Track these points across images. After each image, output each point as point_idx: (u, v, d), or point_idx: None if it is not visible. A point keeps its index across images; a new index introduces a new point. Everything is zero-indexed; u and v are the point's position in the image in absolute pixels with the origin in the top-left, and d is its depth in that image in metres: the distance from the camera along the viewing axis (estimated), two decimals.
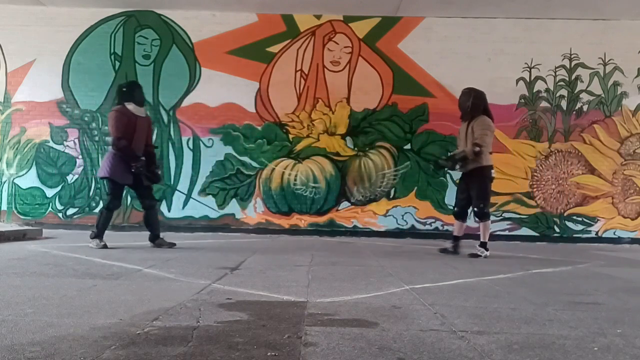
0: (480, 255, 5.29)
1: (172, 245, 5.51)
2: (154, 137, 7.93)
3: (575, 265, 4.98)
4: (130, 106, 5.34)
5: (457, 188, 5.79)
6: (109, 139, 5.27)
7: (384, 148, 8.00)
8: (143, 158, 5.35)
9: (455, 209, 5.66)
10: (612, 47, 7.99)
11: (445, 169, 5.86)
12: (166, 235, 7.06)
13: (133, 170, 5.25)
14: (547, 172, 7.99)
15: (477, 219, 5.47)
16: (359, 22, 8.05)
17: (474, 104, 5.34)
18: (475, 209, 5.35)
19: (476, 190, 5.33)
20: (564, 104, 8.02)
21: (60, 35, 8.02)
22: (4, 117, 8.07)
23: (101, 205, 7.91)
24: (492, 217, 7.83)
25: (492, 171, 5.46)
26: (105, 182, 5.82)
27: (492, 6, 7.61)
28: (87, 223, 7.91)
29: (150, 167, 5.47)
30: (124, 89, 5.46)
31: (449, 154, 5.93)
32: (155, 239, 5.54)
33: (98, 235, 5.32)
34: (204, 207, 7.96)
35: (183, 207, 7.95)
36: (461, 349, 1.96)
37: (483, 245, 5.36)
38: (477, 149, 5.19)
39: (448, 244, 5.68)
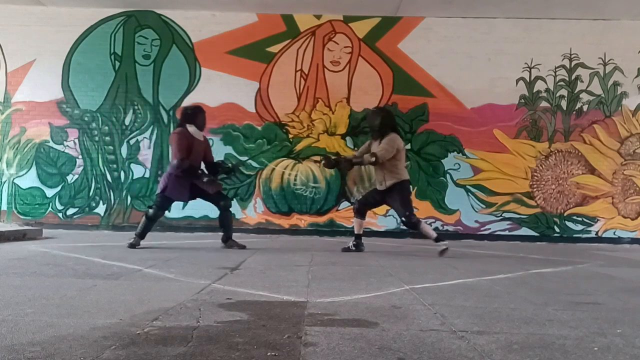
0: (439, 249, 5.33)
1: (242, 247, 5.59)
2: (154, 137, 7.98)
3: (575, 265, 4.98)
4: (192, 129, 5.54)
5: (368, 193, 5.92)
6: (175, 161, 5.44)
7: None
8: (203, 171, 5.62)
9: (357, 205, 5.83)
10: (612, 47, 7.99)
11: (333, 168, 6.12)
12: (166, 235, 7.09)
13: (203, 183, 5.47)
14: (547, 172, 7.99)
15: (408, 229, 5.69)
16: (359, 22, 8.05)
17: (382, 123, 5.53)
18: (403, 218, 5.46)
19: (398, 202, 5.45)
20: (564, 104, 8.02)
21: (60, 35, 8.02)
22: (4, 117, 8.07)
23: (101, 204, 7.96)
24: (492, 217, 7.94)
25: (410, 186, 5.68)
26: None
27: (492, 6, 7.61)
28: (87, 223, 7.92)
29: (222, 165, 5.87)
30: (189, 112, 5.67)
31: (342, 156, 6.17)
32: (227, 240, 5.67)
33: (138, 234, 5.47)
34: (204, 207, 7.92)
35: (183, 207, 7.94)
36: (461, 349, 1.96)
37: (438, 240, 5.40)
38: (373, 159, 5.35)
39: (350, 243, 5.70)
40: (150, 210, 5.49)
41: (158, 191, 5.62)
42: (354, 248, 5.62)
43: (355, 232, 5.71)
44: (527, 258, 5.40)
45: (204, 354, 1.79)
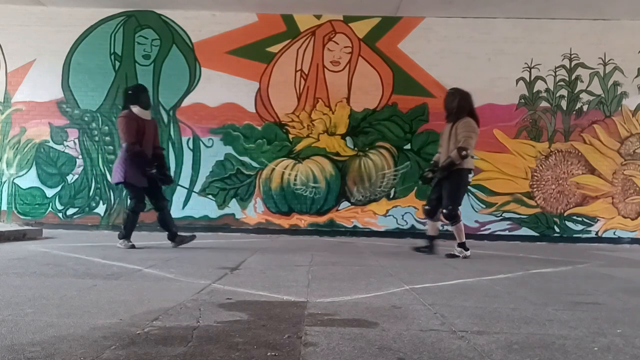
0: (459, 256, 5.20)
1: (192, 237, 5.53)
2: None
3: (575, 265, 4.98)
4: (136, 109, 5.36)
5: (432, 187, 5.54)
6: (124, 145, 5.29)
7: (384, 148, 8.00)
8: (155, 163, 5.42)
9: (426, 207, 5.53)
10: (612, 47, 7.99)
11: (434, 179, 5.47)
12: (166, 235, 7.07)
13: (148, 174, 5.30)
14: (547, 172, 7.99)
15: (445, 221, 5.33)
16: (359, 22, 8.05)
17: (459, 105, 5.20)
18: (445, 210, 5.21)
19: (448, 190, 5.19)
20: (564, 104, 8.02)
21: (60, 35, 8.03)
22: (4, 117, 8.07)
23: (101, 204, 7.96)
24: (492, 217, 7.94)
25: (470, 175, 5.30)
26: (122, 187, 5.88)
27: (492, 6, 7.61)
28: (87, 223, 7.92)
29: (162, 170, 5.54)
30: (130, 92, 5.48)
31: (431, 162, 5.68)
32: (174, 237, 5.53)
33: (126, 235, 5.38)
34: (204, 207, 7.96)
35: (183, 207, 7.95)
36: (461, 349, 1.95)
37: (462, 245, 5.26)
38: (464, 152, 5.04)
39: (422, 243, 5.57)
40: (134, 206, 5.35)
41: (115, 181, 5.40)
42: (425, 249, 5.42)
43: (429, 234, 5.50)
44: (527, 258, 5.40)
45: (204, 354, 1.79)
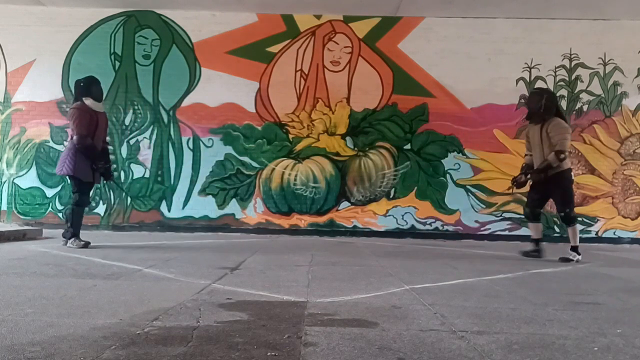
0: (573, 260, 5.11)
1: (87, 244, 5.23)
2: (154, 137, 7.97)
3: (575, 265, 4.98)
4: (88, 101, 5.30)
5: (530, 189, 5.48)
6: (75, 137, 5.17)
7: (384, 148, 8.00)
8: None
9: (527, 209, 5.47)
10: (612, 47, 7.99)
11: (525, 184, 5.41)
12: (166, 236, 7.09)
13: (96, 169, 5.23)
14: None
15: (565, 224, 5.32)
16: (359, 22, 8.05)
17: (546, 106, 5.12)
18: (562, 214, 5.17)
19: (560, 195, 5.16)
20: (564, 104, 8.01)
21: (60, 35, 8.02)
22: (4, 117, 8.07)
23: (101, 205, 7.96)
24: (492, 217, 7.94)
25: (572, 173, 5.28)
26: (67, 179, 5.73)
27: (492, 6, 7.61)
28: (86, 223, 7.90)
29: (107, 165, 5.45)
30: (82, 84, 5.38)
31: (522, 166, 5.56)
32: (71, 236, 5.26)
33: (75, 234, 5.23)
34: (204, 207, 7.96)
35: (183, 207, 7.95)
36: (461, 349, 1.95)
37: (574, 249, 5.19)
38: (563, 156, 4.99)
39: (529, 247, 5.46)
40: (78, 200, 5.22)
41: (61, 173, 5.28)
42: (535, 253, 5.34)
43: (533, 237, 5.42)
44: (527, 258, 5.39)
45: (204, 354, 1.79)
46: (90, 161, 5.25)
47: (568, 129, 5.14)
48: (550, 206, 7.94)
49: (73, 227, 5.26)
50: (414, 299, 2.95)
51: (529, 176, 5.34)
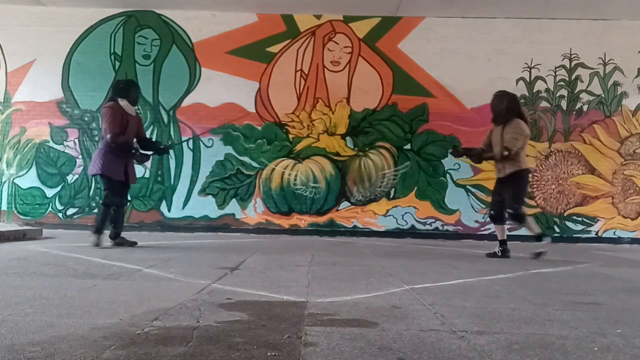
0: (544, 250, 5.22)
1: (133, 244, 5.44)
2: (154, 137, 7.96)
3: (575, 265, 4.98)
4: (123, 103, 5.36)
5: (492, 190, 5.66)
6: (108, 136, 5.24)
7: (384, 148, 8.00)
8: (137, 151, 5.46)
9: (491, 212, 5.58)
10: (612, 47, 7.99)
11: (461, 157, 5.87)
12: (166, 236, 7.09)
13: (138, 161, 5.41)
14: (547, 172, 7.99)
15: (515, 222, 5.45)
16: (359, 22, 8.05)
17: (508, 107, 5.29)
18: (510, 210, 5.29)
19: (511, 191, 5.27)
20: (564, 104, 8.02)
21: (60, 35, 8.03)
22: (4, 117, 8.07)
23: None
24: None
25: (529, 175, 5.42)
26: (98, 178, 5.83)
27: (492, 6, 7.61)
28: (87, 223, 7.90)
29: (157, 145, 5.76)
30: (121, 85, 5.49)
31: (472, 147, 5.85)
32: (116, 237, 5.44)
33: (97, 230, 5.32)
34: (204, 207, 7.96)
35: (183, 207, 7.95)
36: (461, 349, 1.95)
37: (538, 238, 5.32)
38: (505, 152, 5.16)
39: (496, 249, 5.49)
40: (106, 198, 5.32)
41: (91, 173, 5.41)
42: (499, 254, 5.37)
43: (500, 238, 5.47)
44: (527, 258, 5.39)
45: (204, 354, 1.79)
46: (124, 159, 5.32)
47: (523, 131, 5.25)
48: (550, 206, 7.98)
49: (96, 222, 5.36)
50: (414, 299, 2.95)
51: (471, 153, 5.61)
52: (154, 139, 6.06)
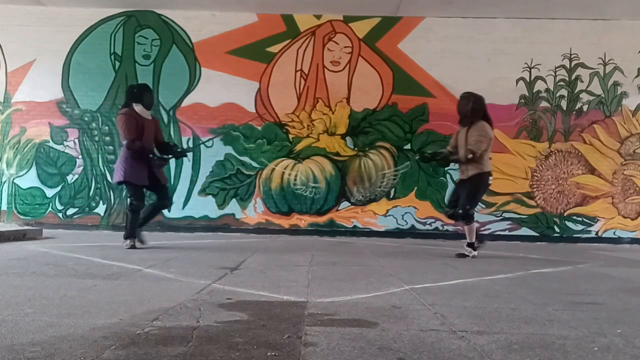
0: (469, 255, 5.23)
1: (133, 246, 5.38)
2: None
3: (575, 265, 4.98)
4: (138, 107, 5.39)
5: (452, 191, 5.71)
6: (125, 142, 5.29)
7: (384, 148, 8.00)
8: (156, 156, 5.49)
9: (448, 210, 5.59)
10: (612, 47, 7.99)
11: (428, 162, 5.84)
12: (166, 236, 7.10)
13: (156, 166, 5.37)
14: (547, 172, 7.99)
15: (462, 221, 5.42)
16: (359, 22, 8.05)
17: (473, 109, 5.27)
18: (460, 210, 5.25)
19: (467, 191, 5.27)
20: (564, 104, 8.02)
21: (60, 35, 8.03)
22: (4, 117, 8.07)
23: (101, 205, 7.96)
24: (492, 217, 7.93)
25: (490, 178, 5.38)
26: (124, 186, 5.89)
27: (492, 6, 7.61)
28: (87, 223, 7.92)
29: (175, 149, 5.74)
30: (135, 90, 5.50)
31: (439, 151, 5.85)
32: (126, 237, 5.43)
33: (130, 235, 5.36)
34: (204, 207, 7.95)
35: (183, 207, 7.95)
36: (461, 349, 1.95)
37: (470, 245, 5.29)
38: (470, 155, 5.16)
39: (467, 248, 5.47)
40: (131, 205, 5.35)
41: (115, 181, 5.44)
42: (471, 254, 5.31)
43: (469, 240, 5.41)
44: (527, 258, 5.39)
45: (204, 354, 1.79)
46: (147, 163, 5.33)
47: (488, 134, 5.24)
48: (550, 206, 7.98)
49: (127, 229, 5.40)
50: (414, 299, 2.95)
51: (437, 157, 5.62)
52: (171, 143, 6.01)
